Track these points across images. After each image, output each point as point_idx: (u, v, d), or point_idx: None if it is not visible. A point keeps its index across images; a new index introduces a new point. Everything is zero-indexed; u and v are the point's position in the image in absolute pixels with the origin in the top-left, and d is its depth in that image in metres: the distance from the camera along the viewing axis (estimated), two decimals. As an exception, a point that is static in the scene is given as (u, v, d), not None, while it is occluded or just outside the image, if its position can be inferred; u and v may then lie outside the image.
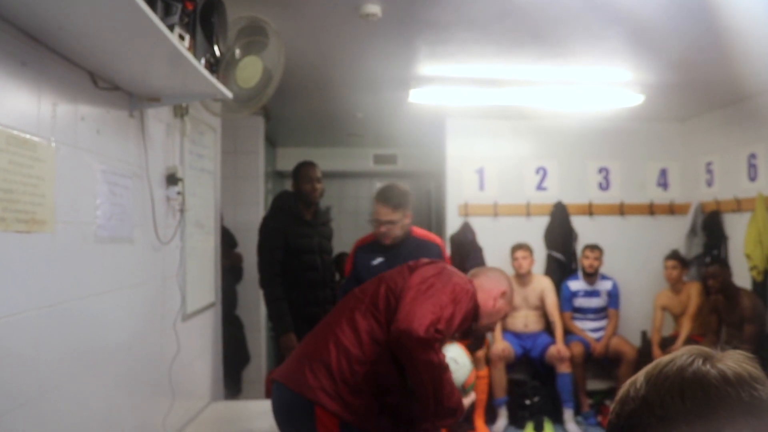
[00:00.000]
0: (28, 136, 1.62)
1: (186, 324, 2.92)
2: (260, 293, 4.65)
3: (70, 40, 1.69)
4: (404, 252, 3.31)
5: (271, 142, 6.66)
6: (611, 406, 0.85)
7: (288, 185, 6.77)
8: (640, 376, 0.82)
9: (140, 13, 1.49)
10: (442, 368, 2.14)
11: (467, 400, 2.33)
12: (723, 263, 4.97)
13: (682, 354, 0.80)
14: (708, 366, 0.77)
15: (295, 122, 6.05)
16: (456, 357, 2.34)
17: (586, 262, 5.37)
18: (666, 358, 0.81)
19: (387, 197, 3.29)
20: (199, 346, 3.20)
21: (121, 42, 1.71)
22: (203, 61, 2.10)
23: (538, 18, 3.26)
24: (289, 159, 6.87)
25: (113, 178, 2.14)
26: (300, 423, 2.18)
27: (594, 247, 5.40)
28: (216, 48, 2.16)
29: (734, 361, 0.78)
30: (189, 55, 1.83)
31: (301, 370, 2.20)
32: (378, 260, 3.37)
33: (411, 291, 2.22)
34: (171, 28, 1.76)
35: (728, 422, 0.73)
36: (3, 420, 1.50)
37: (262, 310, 5.01)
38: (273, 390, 2.31)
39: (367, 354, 2.19)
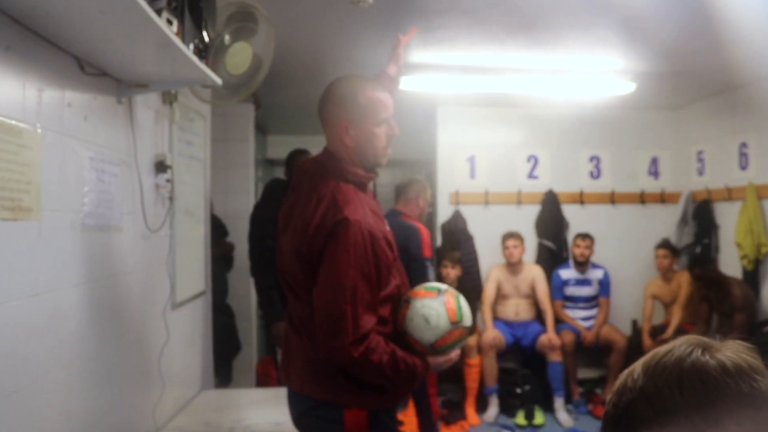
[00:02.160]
0: (13, 122, 1.59)
1: (176, 313, 2.89)
2: (251, 282, 4.63)
3: (56, 25, 1.65)
4: None
5: (262, 129, 6.62)
6: (608, 396, 0.83)
7: (278, 173, 6.76)
8: (638, 366, 0.81)
9: (127, -3, 1.46)
10: (383, 365, 1.86)
11: (441, 359, 2.02)
12: (705, 261, 5.00)
13: (680, 344, 0.79)
14: (707, 356, 0.76)
15: (286, 110, 6.00)
16: (428, 315, 1.96)
17: (577, 251, 5.38)
18: (664, 348, 0.80)
19: None
20: (189, 335, 3.18)
21: (109, 26, 1.67)
22: (192, 46, 2.07)
23: (530, 5, 3.24)
24: (279, 147, 6.83)
25: (101, 165, 2.11)
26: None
27: (585, 236, 5.41)
28: (205, 33, 2.13)
29: (733, 351, 0.77)
30: (177, 41, 1.80)
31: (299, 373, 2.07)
32: None
33: (316, 291, 1.88)
34: (158, 12, 1.73)
35: (727, 414, 0.72)
36: (-11, 411, 1.48)
37: (253, 298, 4.99)
38: (288, 397, 2.19)
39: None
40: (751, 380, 0.74)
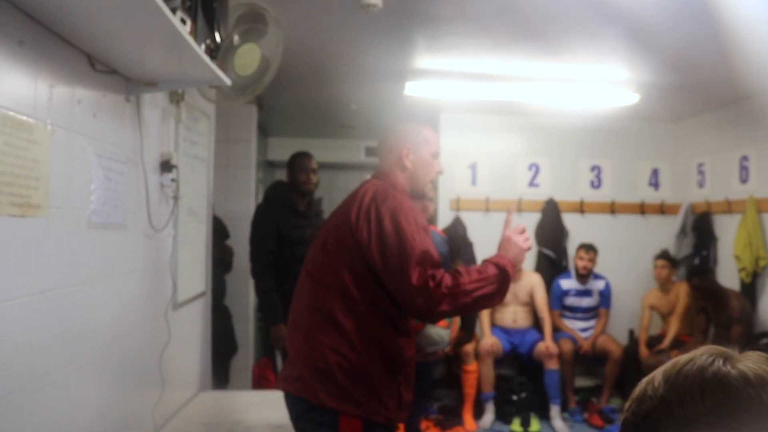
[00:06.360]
0: (24, 118, 1.58)
1: (177, 313, 2.89)
2: (249, 283, 4.63)
3: (69, 21, 1.65)
4: None
5: (263, 131, 6.62)
6: (626, 404, 0.84)
7: (279, 175, 6.75)
8: (658, 374, 0.81)
9: (144, -5, 1.46)
10: (462, 289, 1.98)
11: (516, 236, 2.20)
12: (704, 272, 5.00)
13: (701, 353, 0.79)
14: (728, 367, 0.76)
15: (288, 112, 6.01)
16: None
17: (581, 263, 5.37)
18: (685, 357, 0.80)
19: None
20: (189, 336, 3.17)
21: (122, 23, 1.67)
22: (203, 46, 2.07)
23: (536, 14, 3.25)
24: (280, 149, 6.84)
25: (108, 163, 2.10)
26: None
27: (589, 248, 5.39)
28: (217, 34, 2.13)
29: (754, 362, 0.77)
30: (191, 40, 1.80)
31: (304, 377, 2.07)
32: None
33: (381, 263, 1.99)
34: (173, 11, 1.73)
35: (749, 424, 0.72)
36: (-7, 407, 1.48)
37: (251, 300, 4.98)
38: (286, 400, 2.17)
39: (363, 356, 2.02)
40: None
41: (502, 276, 2.06)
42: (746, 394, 0.73)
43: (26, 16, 1.57)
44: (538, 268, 5.68)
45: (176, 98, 2.74)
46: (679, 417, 0.75)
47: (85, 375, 2.00)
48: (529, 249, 2.21)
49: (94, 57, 1.96)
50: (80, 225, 1.94)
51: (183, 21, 1.83)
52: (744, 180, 5.02)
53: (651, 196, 5.98)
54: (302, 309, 2.14)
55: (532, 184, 5.86)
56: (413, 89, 4.62)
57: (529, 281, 5.37)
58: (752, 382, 0.74)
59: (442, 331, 2.34)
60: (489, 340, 5.11)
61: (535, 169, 5.86)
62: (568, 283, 5.45)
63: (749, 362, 0.77)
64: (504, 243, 2.18)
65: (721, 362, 0.77)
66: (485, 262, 2.10)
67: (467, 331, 4.36)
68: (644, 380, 0.82)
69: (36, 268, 1.68)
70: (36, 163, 1.64)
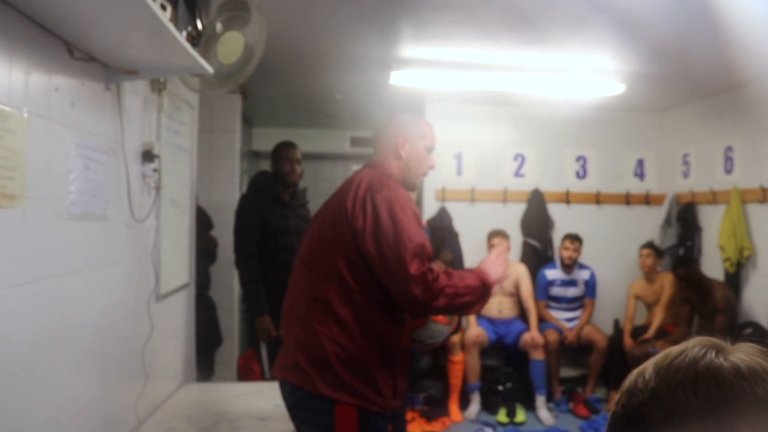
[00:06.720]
0: (-1, 106, 1.54)
1: (160, 304, 2.85)
2: (234, 274, 4.59)
3: (44, 6, 1.60)
4: None
5: (248, 121, 6.56)
6: (616, 396, 0.82)
7: (263, 165, 6.70)
8: (649, 366, 0.79)
9: (121, -21, 1.42)
10: (454, 291, 2.04)
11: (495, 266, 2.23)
12: (689, 262, 5.03)
13: (693, 345, 0.77)
14: (721, 359, 0.74)
15: (273, 102, 5.96)
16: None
17: (565, 254, 5.37)
18: (676, 348, 0.78)
19: None
20: (172, 327, 3.14)
21: (100, 9, 1.63)
22: (185, 33, 2.03)
23: (523, 3, 3.22)
24: (264, 139, 6.79)
25: (88, 153, 2.06)
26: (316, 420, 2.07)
27: (574, 238, 5.40)
28: (198, 21, 2.09)
29: (746, 354, 0.75)
30: (171, 27, 1.75)
31: (301, 366, 2.08)
32: None
33: (377, 254, 2.01)
34: (152, -4, 1.69)
35: (742, 417, 0.71)
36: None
37: (236, 291, 4.94)
38: (282, 388, 2.18)
39: (359, 345, 2.05)
40: (766, 384, 0.72)
41: (485, 290, 2.13)
42: (739, 387, 0.72)
43: None
44: (524, 259, 5.69)
45: (158, 87, 2.70)
46: (671, 410, 0.73)
47: (66, 368, 1.96)
48: (506, 275, 2.28)
49: (72, 44, 1.91)
50: (59, 216, 1.90)
51: (163, 7, 1.79)
52: (728, 170, 5.04)
53: (636, 187, 5.99)
54: (299, 298, 2.15)
55: (517, 174, 5.85)
56: (399, 78, 4.59)
57: (515, 272, 5.37)
58: (745, 375, 0.72)
59: (442, 327, 2.34)
60: (475, 331, 5.11)
61: (521, 159, 5.85)
62: (553, 274, 5.46)
63: (742, 354, 0.75)
64: (489, 264, 2.21)
65: (713, 354, 0.75)
66: (471, 272, 2.14)
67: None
68: (635, 372, 0.80)
69: (13, 260, 1.64)
70: (12, 152, 1.60)
